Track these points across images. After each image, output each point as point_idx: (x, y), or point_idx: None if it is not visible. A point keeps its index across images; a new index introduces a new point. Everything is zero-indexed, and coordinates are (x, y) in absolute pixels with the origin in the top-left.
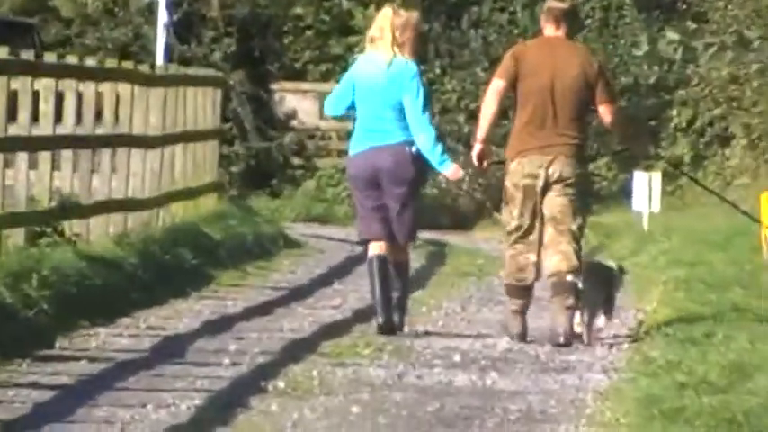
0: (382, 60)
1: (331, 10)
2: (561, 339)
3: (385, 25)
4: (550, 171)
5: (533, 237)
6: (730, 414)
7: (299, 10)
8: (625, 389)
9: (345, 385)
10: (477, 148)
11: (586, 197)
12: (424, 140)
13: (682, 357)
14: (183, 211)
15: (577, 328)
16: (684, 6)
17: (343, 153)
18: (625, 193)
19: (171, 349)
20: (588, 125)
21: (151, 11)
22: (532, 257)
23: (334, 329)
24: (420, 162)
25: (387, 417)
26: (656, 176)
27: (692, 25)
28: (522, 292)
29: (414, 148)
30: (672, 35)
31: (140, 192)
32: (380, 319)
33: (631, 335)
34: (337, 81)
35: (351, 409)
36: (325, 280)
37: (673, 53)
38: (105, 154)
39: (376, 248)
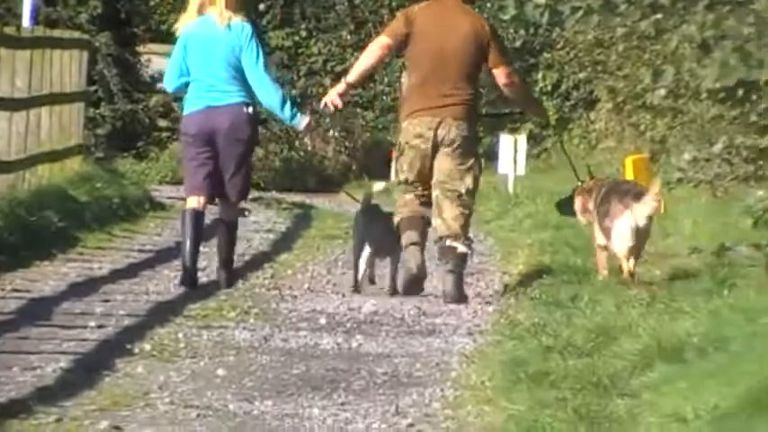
0: (217, 22)
1: None
2: (448, 299)
3: None
4: (439, 132)
5: (421, 191)
6: (596, 377)
7: None
8: (490, 352)
9: (211, 348)
10: (341, 86)
11: (476, 159)
12: (272, 98)
13: (547, 321)
14: (49, 173)
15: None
16: None
17: None
18: (490, 155)
19: (37, 312)
20: (479, 88)
21: None
22: (423, 206)
23: (200, 292)
24: (255, 123)
25: (252, 379)
26: (522, 139)
27: None
28: (417, 221)
29: (250, 109)
30: None
31: (6, 154)
32: (184, 272)
33: (497, 297)
34: None
35: (216, 371)
36: None
37: (539, 17)
38: None
39: (194, 203)
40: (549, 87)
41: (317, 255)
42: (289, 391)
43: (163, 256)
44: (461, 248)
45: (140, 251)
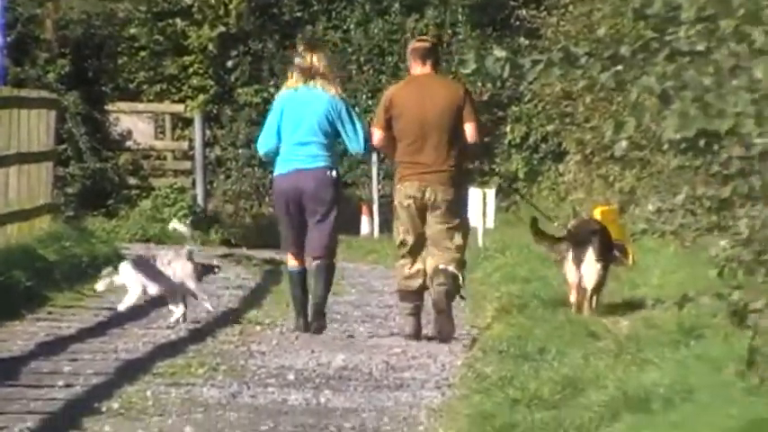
0: (313, 92)
1: (165, 30)
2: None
3: (314, 61)
4: (427, 195)
5: (417, 249)
6: (562, 429)
7: (133, 30)
8: (458, 405)
9: (179, 405)
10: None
11: (463, 218)
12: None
13: (515, 373)
14: (18, 232)
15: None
16: (518, 23)
17: (179, 173)
18: None
19: (4, 371)
20: (463, 149)
21: None
22: (419, 266)
23: (168, 350)
24: (338, 184)
25: None
26: (491, 192)
27: (524, 42)
28: (412, 296)
29: (333, 173)
30: (498, 52)
31: None
32: (300, 321)
33: (465, 351)
34: (173, 101)
35: (184, 429)
36: (159, 300)
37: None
38: None
39: (294, 262)
40: (518, 140)
41: (285, 310)
42: None
43: (132, 314)
44: (452, 270)
45: (110, 309)
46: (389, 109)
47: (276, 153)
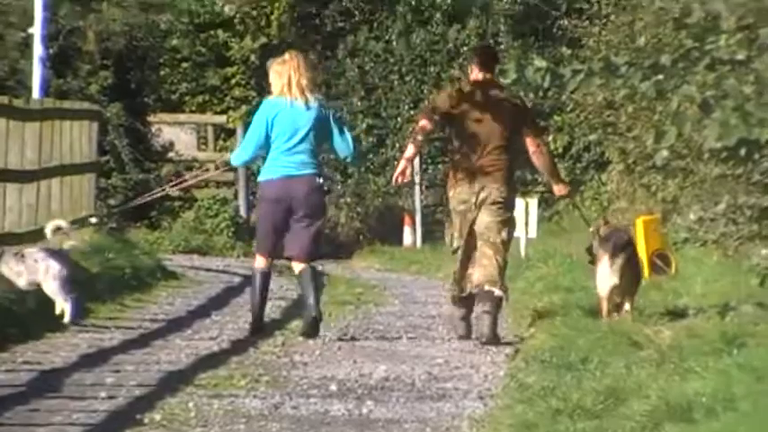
0: (299, 102)
1: (207, 41)
2: (483, 339)
3: (293, 71)
4: (481, 196)
5: (469, 254)
6: None
7: (175, 42)
8: (501, 416)
9: (222, 417)
10: (402, 164)
11: (511, 216)
12: (348, 151)
13: (557, 383)
14: (60, 244)
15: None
16: (560, 33)
17: (221, 184)
18: None
19: (48, 383)
20: (516, 155)
21: (27, 45)
22: (469, 272)
23: (210, 361)
24: (324, 191)
25: None
26: (533, 202)
27: (567, 51)
28: (463, 301)
29: (320, 180)
30: (539, 62)
31: (16, 226)
32: (254, 321)
33: (507, 361)
34: (215, 112)
35: None
36: (202, 311)
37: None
38: None
39: (262, 263)
40: (561, 150)
41: (328, 321)
42: None
43: (174, 325)
44: (497, 293)
45: (152, 321)
46: (451, 106)
47: (252, 161)
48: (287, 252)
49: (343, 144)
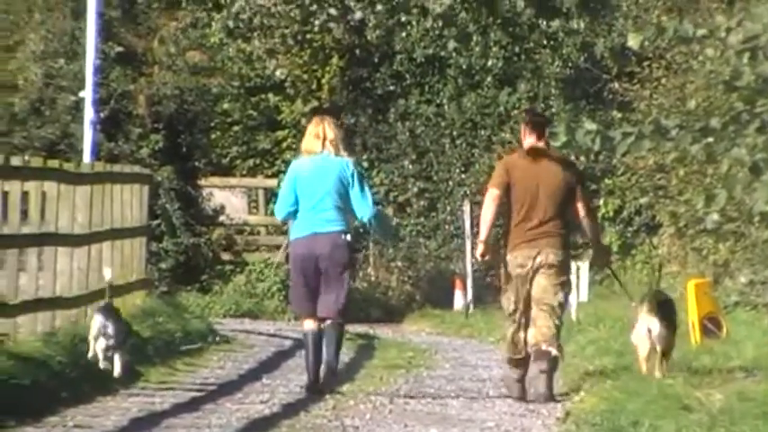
0: (326, 159)
1: (258, 105)
2: (542, 399)
3: (320, 131)
4: (537, 260)
5: (525, 317)
6: None
7: (226, 105)
8: None
9: None
10: (480, 247)
11: (567, 279)
12: (368, 213)
13: None
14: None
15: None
16: (610, 96)
17: (272, 248)
18: None
19: None
20: (570, 219)
21: (78, 109)
22: (524, 335)
23: (261, 424)
24: (351, 248)
25: None
26: (584, 266)
27: (617, 115)
28: (518, 363)
29: (347, 236)
30: (589, 125)
31: (68, 290)
32: (308, 381)
33: (559, 424)
34: (266, 176)
35: None
36: (253, 375)
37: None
38: (32, 253)
39: (311, 325)
40: (611, 213)
41: (379, 385)
42: None
43: (225, 389)
44: (554, 352)
45: (203, 384)
46: (510, 173)
47: (293, 216)
48: (319, 314)
49: (360, 205)
